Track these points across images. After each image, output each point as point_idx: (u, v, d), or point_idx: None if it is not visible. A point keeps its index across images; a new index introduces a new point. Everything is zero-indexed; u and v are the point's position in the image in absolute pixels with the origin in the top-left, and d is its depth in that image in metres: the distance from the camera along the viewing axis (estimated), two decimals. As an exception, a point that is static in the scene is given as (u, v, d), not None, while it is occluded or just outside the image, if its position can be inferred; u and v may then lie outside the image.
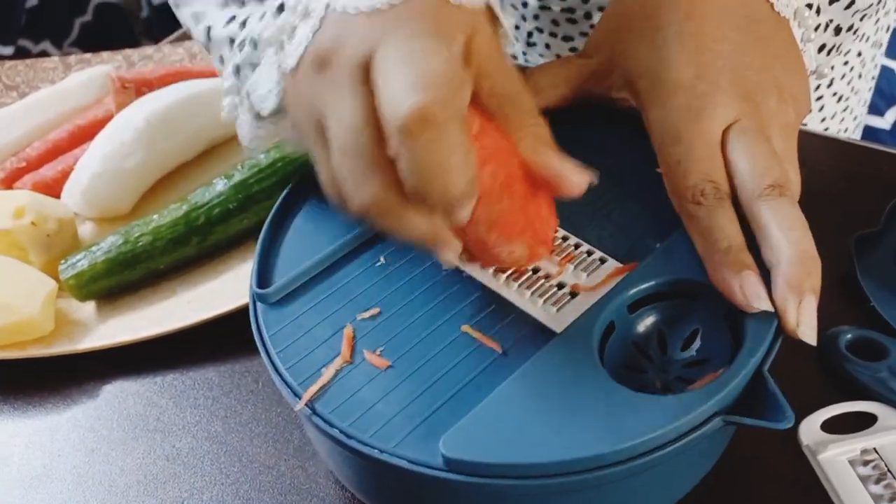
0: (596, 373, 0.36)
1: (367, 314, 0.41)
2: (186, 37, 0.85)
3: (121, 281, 0.57)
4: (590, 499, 0.37)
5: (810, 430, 0.44)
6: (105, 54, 0.82)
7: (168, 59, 0.80)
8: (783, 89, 0.43)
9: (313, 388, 0.38)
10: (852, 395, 0.45)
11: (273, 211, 0.47)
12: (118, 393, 0.54)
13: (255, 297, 0.43)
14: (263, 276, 0.44)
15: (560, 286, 0.41)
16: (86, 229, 0.63)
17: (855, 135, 0.82)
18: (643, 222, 0.43)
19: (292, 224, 0.47)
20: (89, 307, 0.57)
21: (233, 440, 0.50)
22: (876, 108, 1.25)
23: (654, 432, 0.34)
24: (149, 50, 0.82)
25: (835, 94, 0.73)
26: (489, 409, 0.36)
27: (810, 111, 0.45)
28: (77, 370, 0.55)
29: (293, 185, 0.48)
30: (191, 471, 0.48)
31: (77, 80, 0.73)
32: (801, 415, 0.44)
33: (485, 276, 0.42)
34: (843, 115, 0.76)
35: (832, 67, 0.71)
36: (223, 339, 0.55)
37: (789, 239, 0.37)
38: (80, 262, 0.56)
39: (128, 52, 0.82)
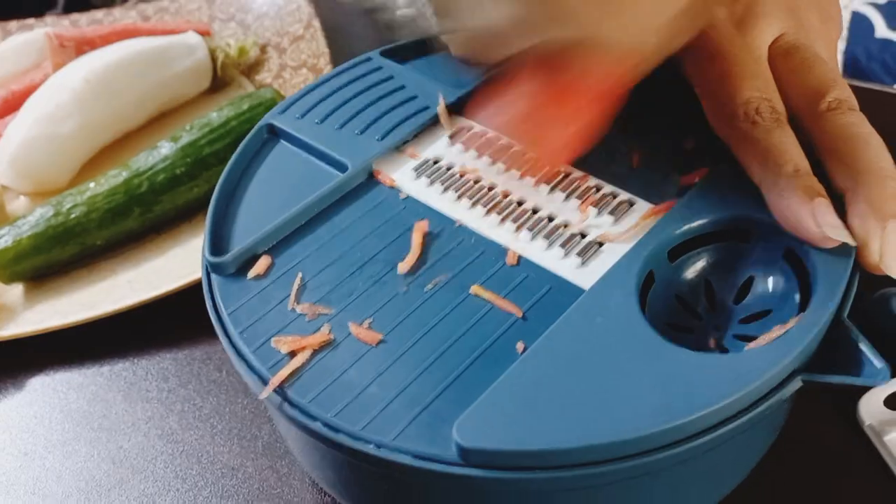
0: (640, 332, 0.28)
1: (349, 280, 0.32)
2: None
3: (50, 259, 0.47)
4: (645, 488, 0.28)
5: (871, 407, 0.36)
6: (49, 18, 0.72)
7: (120, 22, 0.70)
8: (822, 8, 0.37)
9: (284, 372, 0.29)
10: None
11: (229, 165, 0.37)
12: (57, 386, 0.44)
13: (209, 268, 0.33)
14: (218, 242, 0.34)
15: (583, 235, 0.32)
16: (19, 206, 0.53)
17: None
18: (673, 157, 0.34)
19: (252, 180, 0.37)
20: (16, 291, 0.47)
21: (191, 438, 0.40)
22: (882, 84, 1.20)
23: (728, 398, 0.25)
24: (98, 14, 0.71)
25: None
26: (511, 385, 0.27)
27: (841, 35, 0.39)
28: (9, 359, 0.45)
29: (253, 133, 0.39)
30: (140, 475, 0.39)
31: (12, 43, 0.62)
32: (857, 391, 0.37)
33: (492, 227, 0.33)
34: None
35: None
36: (180, 322, 0.45)
37: (867, 157, 0.29)
38: (4, 238, 0.46)
39: (75, 16, 0.71)
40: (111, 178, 0.48)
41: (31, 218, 0.47)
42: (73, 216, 0.47)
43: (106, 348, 0.45)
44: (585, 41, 0.27)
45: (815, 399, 0.31)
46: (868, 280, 0.30)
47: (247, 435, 0.40)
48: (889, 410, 0.36)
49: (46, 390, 0.44)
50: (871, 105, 0.33)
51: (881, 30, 1.13)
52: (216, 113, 0.51)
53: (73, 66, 0.55)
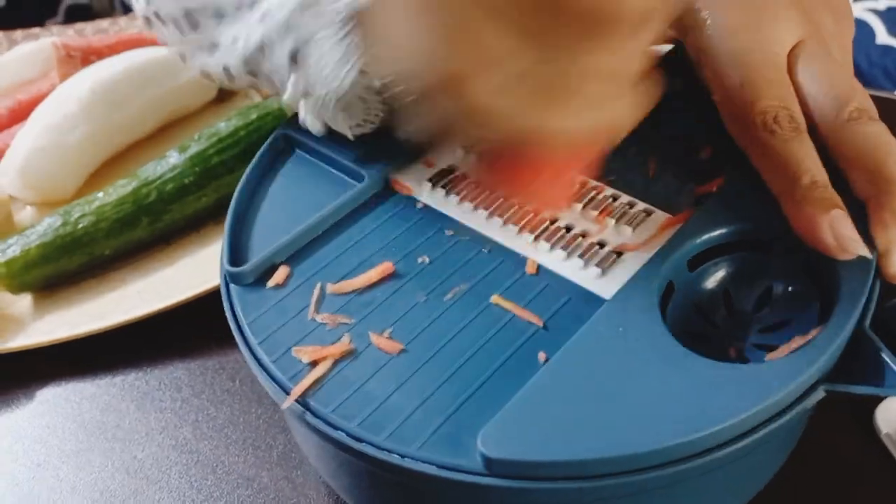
0: (663, 342, 0.28)
1: (368, 290, 0.32)
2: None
3: (59, 269, 0.47)
4: (666, 498, 0.28)
5: (888, 416, 0.36)
6: (55, 28, 0.72)
7: (126, 32, 0.70)
8: (835, 8, 0.37)
9: (306, 382, 0.29)
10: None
11: (245, 175, 0.38)
12: (70, 396, 0.44)
13: (228, 278, 0.33)
14: (236, 252, 0.35)
15: (601, 245, 0.32)
16: (25, 216, 0.53)
17: None
18: (690, 166, 0.35)
19: (269, 190, 0.37)
20: (25, 301, 0.47)
21: (205, 448, 0.40)
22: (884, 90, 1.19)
23: (753, 409, 0.25)
24: (104, 23, 0.72)
25: None
26: (534, 395, 0.27)
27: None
28: (19, 370, 0.45)
29: (270, 142, 0.39)
30: (155, 486, 0.39)
31: (19, 52, 0.63)
32: (873, 400, 0.37)
33: (510, 237, 0.33)
34: None
35: None
36: (192, 332, 0.45)
37: (890, 167, 0.29)
38: (12, 247, 0.46)
39: (80, 25, 0.72)
40: (119, 188, 0.48)
41: (39, 227, 0.47)
42: (81, 226, 0.47)
43: (118, 358, 0.45)
44: (540, 136, 0.25)
45: (832, 408, 0.31)
46: (882, 286, 0.30)
47: (262, 445, 0.40)
48: (905, 419, 0.36)
49: (59, 400, 0.44)
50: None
51: (882, 36, 1.12)
52: (224, 123, 0.51)
53: (79, 76, 0.56)
